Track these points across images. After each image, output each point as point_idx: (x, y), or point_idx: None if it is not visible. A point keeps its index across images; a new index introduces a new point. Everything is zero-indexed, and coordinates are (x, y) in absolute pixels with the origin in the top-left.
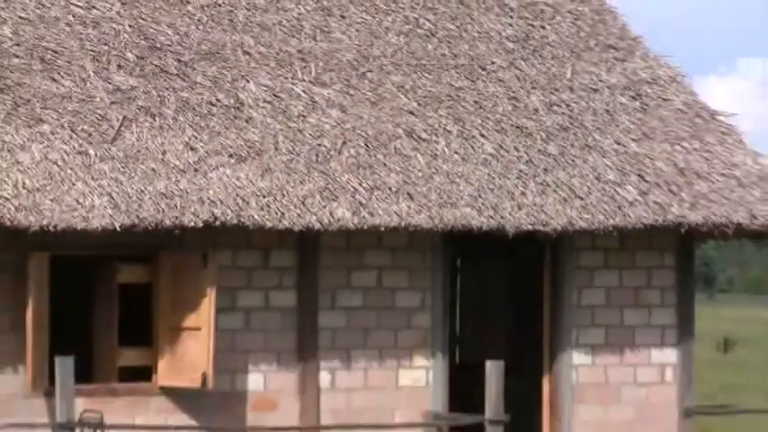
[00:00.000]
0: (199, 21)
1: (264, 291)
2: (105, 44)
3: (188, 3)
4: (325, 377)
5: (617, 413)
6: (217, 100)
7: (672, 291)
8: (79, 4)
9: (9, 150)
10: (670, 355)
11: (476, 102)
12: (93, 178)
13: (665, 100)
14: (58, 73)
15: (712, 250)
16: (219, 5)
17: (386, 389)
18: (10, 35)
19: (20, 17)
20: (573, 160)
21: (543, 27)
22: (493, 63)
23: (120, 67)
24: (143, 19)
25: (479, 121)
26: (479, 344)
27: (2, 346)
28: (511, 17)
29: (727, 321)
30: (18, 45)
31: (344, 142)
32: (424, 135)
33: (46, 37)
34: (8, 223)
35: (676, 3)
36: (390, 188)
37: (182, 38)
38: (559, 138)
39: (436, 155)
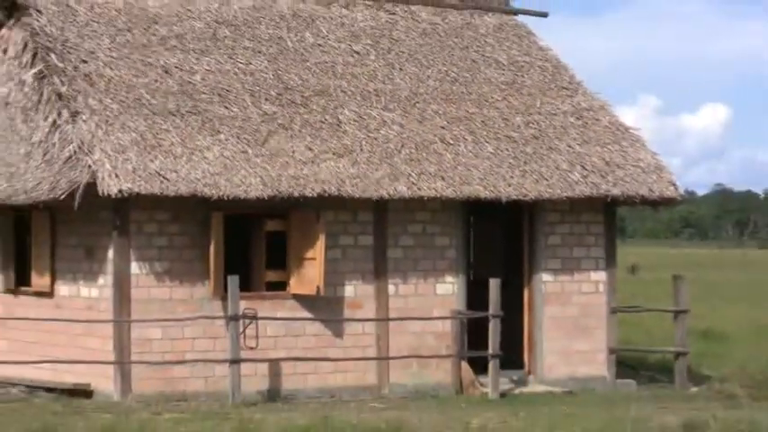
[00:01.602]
0: (314, 71)
1: (354, 235)
2: (257, 86)
3: (307, 60)
4: (391, 288)
5: (569, 311)
6: (324, 120)
7: (602, 236)
8: (242, 61)
9: (200, 150)
10: (602, 276)
11: (482, 121)
12: (250, 167)
13: (596, 120)
14: (229, 103)
15: (624, 211)
16: (326, 62)
17: (428, 295)
18: (200, 80)
19: (205, 69)
20: (541, 157)
21: (522, 76)
22: (492, 98)
23: (266, 99)
24: (280, 70)
25: (484, 133)
26: (485, 269)
27: (195, 270)
28: (503, 69)
29: (633, 255)
30: (204, 86)
31: (402, 146)
32: (451, 141)
33: (222, 81)
34: (199, 194)
35: (608, 56)
36: (431, 173)
37: (303, 82)
38: (533, 143)
39: (458, 153)
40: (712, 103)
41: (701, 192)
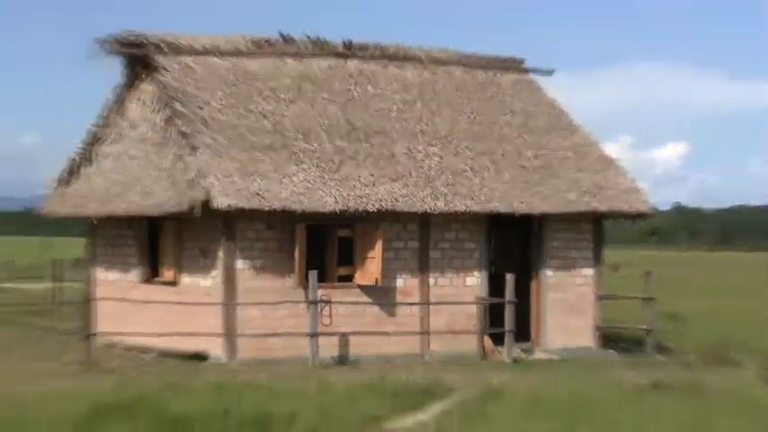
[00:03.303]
0: (374, 116)
1: (405, 241)
2: (331, 127)
3: (369, 107)
4: (432, 281)
5: (567, 297)
6: (382, 153)
7: (591, 242)
8: (320, 108)
9: (288, 176)
10: (591, 271)
11: (502, 154)
12: (326, 189)
13: (589, 153)
14: (310, 140)
15: (608, 223)
16: (383, 108)
17: (459, 286)
18: (288, 122)
19: (292, 114)
20: (546, 182)
21: (535, 119)
22: (509, 137)
23: (339, 137)
24: (349, 115)
25: (503, 164)
26: (503, 266)
27: (283, 266)
28: (518, 115)
29: (614, 256)
30: (291, 127)
31: (441, 173)
32: (477, 169)
33: (304, 123)
34: (287, 209)
35: (597, 103)
36: (462, 194)
37: (366, 124)
38: (540, 172)
39: (483, 178)
40: (674, 142)
41: (664, 208)
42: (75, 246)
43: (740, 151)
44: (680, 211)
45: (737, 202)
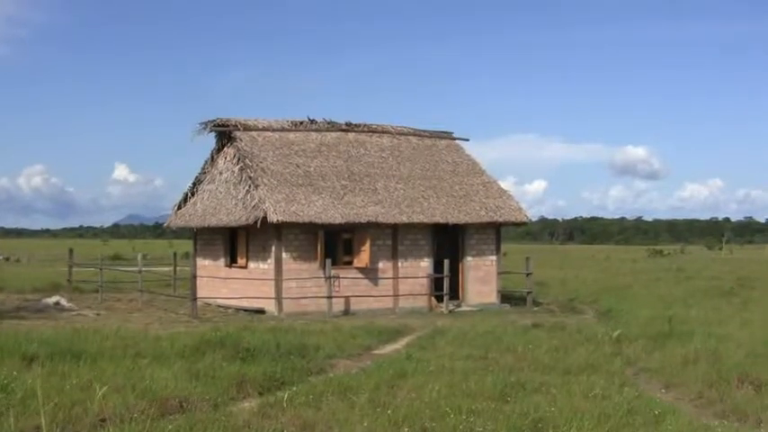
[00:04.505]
0: (363, 165)
1: (383, 239)
2: (339, 172)
3: (360, 160)
4: (400, 264)
5: (480, 273)
6: (369, 188)
7: (494, 239)
8: (332, 161)
9: (313, 202)
10: (494, 258)
11: (441, 188)
12: (335, 209)
13: (492, 187)
14: (326, 180)
15: (503, 228)
16: (369, 161)
17: (416, 267)
18: (313, 170)
19: (315, 165)
20: (468, 204)
21: (459, 167)
22: (444, 178)
23: (343, 178)
24: (348, 165)
25: (442, 194)
26: (442, 254)
27: (311, 256)
28: (448, 164)
29: (505, 248)
30: (315, 172)
31: (405, 199)
32: (426, 197)
33: (323, 170)
34: (313, 222)
35: (494, 156)
36: (418, 212)
37: (359, 170)
38: (464, 198)
39: (430, 203)
40: (539, 180)
41: (534, 219)
42: (185, 245)
43: (573, 186)
44: (543, 221)
45: (575, 216)
